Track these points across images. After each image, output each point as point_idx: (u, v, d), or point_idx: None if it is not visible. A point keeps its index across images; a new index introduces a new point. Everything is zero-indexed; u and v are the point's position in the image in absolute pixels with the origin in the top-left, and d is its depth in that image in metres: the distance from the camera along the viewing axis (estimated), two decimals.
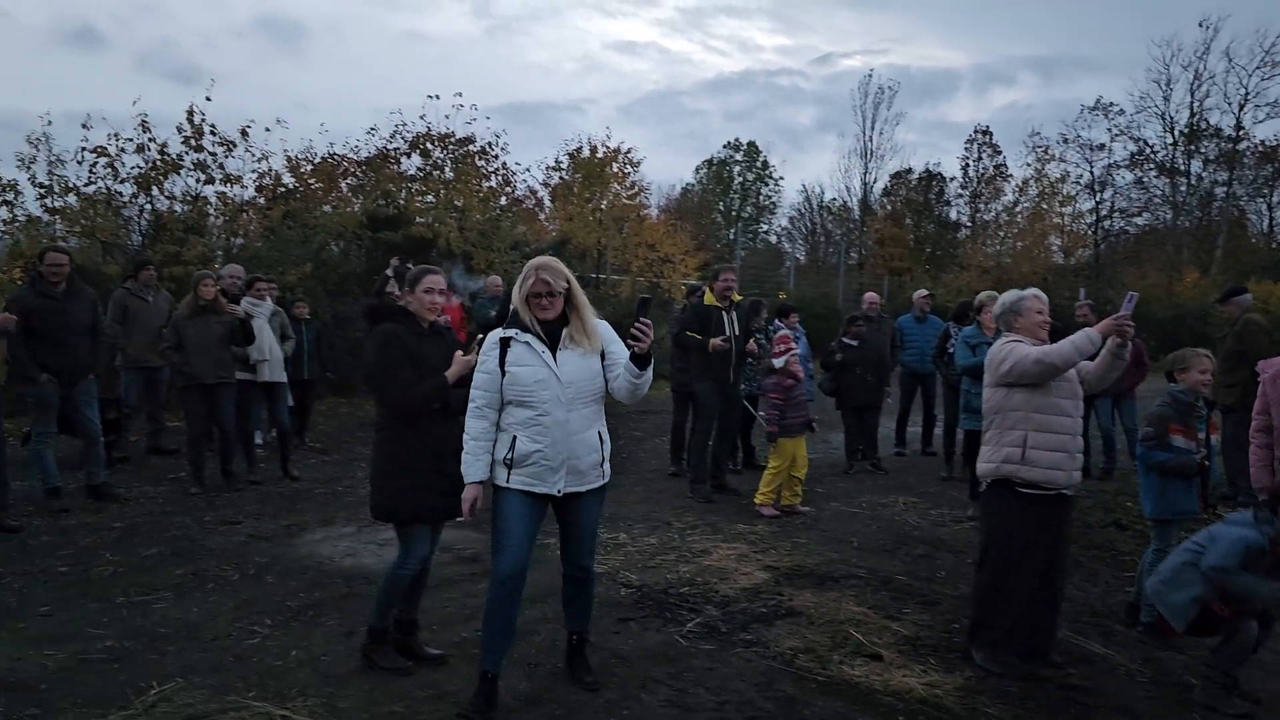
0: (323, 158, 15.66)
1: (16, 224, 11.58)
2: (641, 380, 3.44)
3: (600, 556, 5.50)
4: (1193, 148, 33.17)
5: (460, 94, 19.60)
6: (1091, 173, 33.61)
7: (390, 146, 15.70)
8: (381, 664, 3.92)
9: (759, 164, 48.52)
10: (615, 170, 19.98)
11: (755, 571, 5.52)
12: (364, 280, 13.00)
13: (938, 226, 37.72)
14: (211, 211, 13.02)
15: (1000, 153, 36.99)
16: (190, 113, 12.28)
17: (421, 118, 15.75)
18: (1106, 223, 34.23)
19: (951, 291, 23.82)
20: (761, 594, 5.11)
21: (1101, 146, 33.45)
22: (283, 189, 13.83)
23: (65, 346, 6.42)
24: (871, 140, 38.09)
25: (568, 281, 3.50)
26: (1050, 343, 4.17)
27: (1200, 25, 35.70)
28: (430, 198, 15.45)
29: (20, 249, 11.23)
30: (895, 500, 7.66)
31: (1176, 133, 33.03)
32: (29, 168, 11.66)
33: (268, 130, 16.30)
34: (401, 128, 15.70)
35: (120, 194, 12.18)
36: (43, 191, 11.67)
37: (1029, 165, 33.00)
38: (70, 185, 11.79)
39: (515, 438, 3.47)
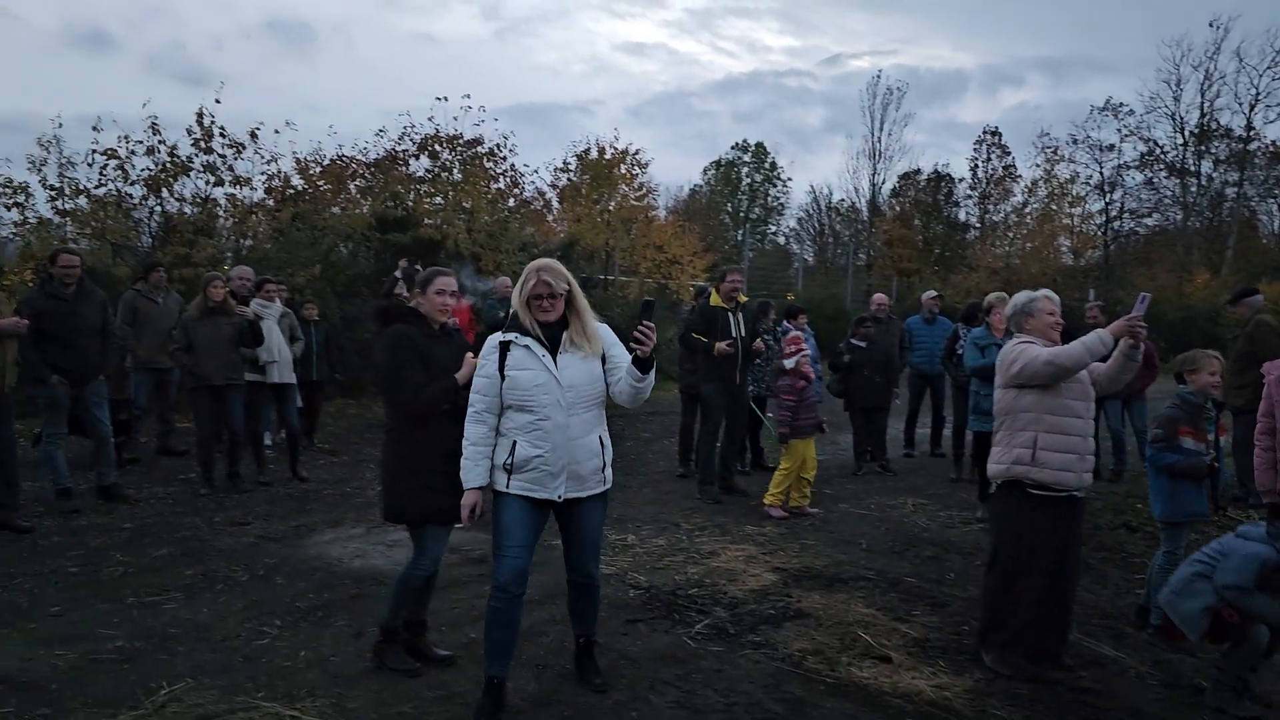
0: (331, 159, 15.70)
1: (27, 226, 11.68)
2: (644, 384, 3.41)
3: (608, 558, 5.51)
4: (1203, 148, 33.01)
5: (469, 95, 19.67)
6: (1101, 173, 33.56)
7: (399, 148, 15.72)
8: (391, 664, 3.93)
9: (767, 165, 48.55)
10: (623, 171, 19.95)
11: (764, 573, 5.52)
12: (372, 282, 13.07)
13: (946, 227, 37.67)
14: (221, 213, 13.10)
15: (1009, 154, 37.08)
16: (200, 115, 12.38)
17: (430, 119, 15.76)
18: (1116, 224, 34.16)
19: (960, 293, 23.80)
20: (770, 595, 5.10)
21: (1111, 147, 33.44)
22: (292, 191, 13.91)
23: (76, 348, 6.46)
24: (880, 141, 38.22)
25: (568, 284, 3.47)
26: (1061, 344, 4.16)
27: (1211, 25, 35.54)
28: (439, 199, 15.45)
29: (31, 251, 11.33)
30: (904, 502, 7.64)
31: (1187, 133, 32.94)
32: (40, 170, 11.77)
33: (277, 132, 16.57)
34: (410, 129, 15.75)
35: (130, 196, 12.26)
36: (53, 194, 11.74)
37: (1038, 166, 33.10)
38: (81, 187, 11.86)
39: (515, 442, 3.44)
